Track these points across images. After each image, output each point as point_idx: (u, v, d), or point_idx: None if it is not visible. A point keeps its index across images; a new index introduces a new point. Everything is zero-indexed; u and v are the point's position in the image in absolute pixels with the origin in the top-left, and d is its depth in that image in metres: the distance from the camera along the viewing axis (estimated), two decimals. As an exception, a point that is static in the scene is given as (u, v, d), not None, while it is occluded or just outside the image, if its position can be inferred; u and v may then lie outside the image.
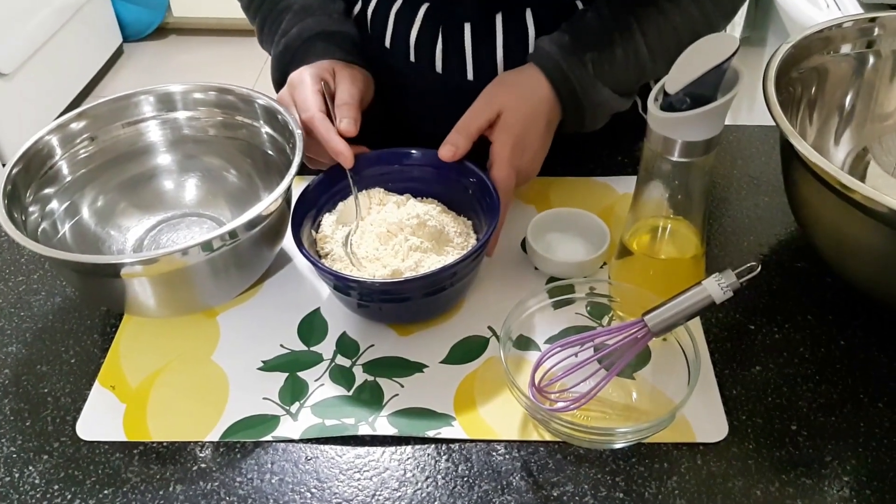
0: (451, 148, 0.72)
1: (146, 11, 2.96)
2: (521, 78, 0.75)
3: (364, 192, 0.75)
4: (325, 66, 0.78)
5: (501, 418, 0.64)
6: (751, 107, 1.60)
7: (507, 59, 0.82)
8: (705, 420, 0.63)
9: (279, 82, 0.83)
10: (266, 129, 0.78)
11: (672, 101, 0.60)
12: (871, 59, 0.79)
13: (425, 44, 0.83)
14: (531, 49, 0.80)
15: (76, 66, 2.64)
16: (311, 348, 0.70)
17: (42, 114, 2.38)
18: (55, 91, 2.51)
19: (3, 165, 2.35)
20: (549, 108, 0.75)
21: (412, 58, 0.84)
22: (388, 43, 0.85)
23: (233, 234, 0.64)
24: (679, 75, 0.59)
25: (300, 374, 0.68)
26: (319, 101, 0.74)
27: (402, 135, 0.82)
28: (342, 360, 0.69)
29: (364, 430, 0.63)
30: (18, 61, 2.28)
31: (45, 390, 0.68)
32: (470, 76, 0.83)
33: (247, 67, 2.74)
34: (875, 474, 0.60)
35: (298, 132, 0.72)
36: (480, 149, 0.74)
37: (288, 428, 0.64)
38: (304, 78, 0.76)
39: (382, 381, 0.67)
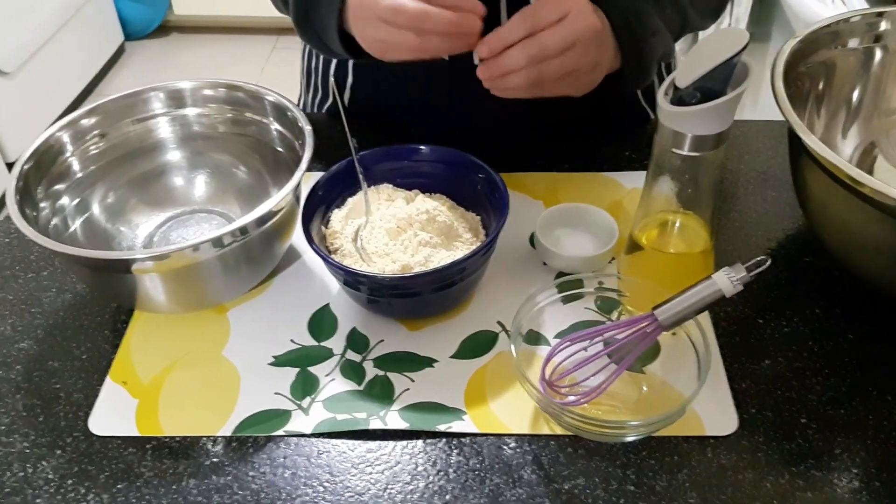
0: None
1: (148, 9, 2.96)
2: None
3: (373, 187, 0.76)
4: None
5: (512, 412, 0.64)
6: (756, 101, 1.60)
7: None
8: (715, 413, 0.63)
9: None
10: (275, 126, 0.78)
11: (682, 95, 0.60)
12: (879, 54, 0.79)
13: None
14: None
15: (78, 65, 2.64)
16: (322, 343, 0.70)
17: (44, 113, 2.38)
18: (57, 90, 2.51)
19: (6, 164, 2.34)
20: (603, 37, 0.70)
21: None
22: None
23: (243, 230, 0.65)
24: (689, 69, 0.59)
25: (311, 369, 0.68)
26: None
27: (401, 116, 0.88)
28: (352, 356, 0.69)
29: (375, 424, 0.63)
30: (20, 60, 2.28)
31: (57, 386, 0.68)
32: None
33: (249, 65, 2.74)
34: (884, 466, 0.60)
35: (308, 129, 0.72)
36: (489, 147, 0.74)
37: (300, 422, 0.64)
38: None
39: (393, 376, 0.67)
